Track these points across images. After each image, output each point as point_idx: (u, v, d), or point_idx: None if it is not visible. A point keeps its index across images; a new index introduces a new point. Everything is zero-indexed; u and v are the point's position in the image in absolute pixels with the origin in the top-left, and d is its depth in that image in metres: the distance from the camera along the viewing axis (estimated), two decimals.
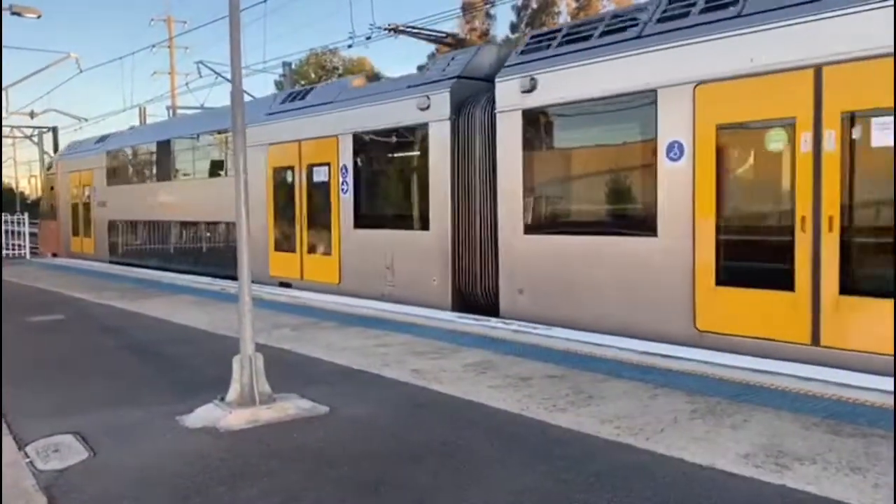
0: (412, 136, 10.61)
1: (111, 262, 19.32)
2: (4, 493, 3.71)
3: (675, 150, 7.35)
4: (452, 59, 10.72)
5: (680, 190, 7.29)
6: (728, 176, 7.05)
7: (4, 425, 4.84)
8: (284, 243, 12.98)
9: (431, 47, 35.25)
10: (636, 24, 7.92)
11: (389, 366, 6.39)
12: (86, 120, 33.84)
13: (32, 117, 32.53)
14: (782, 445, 4.15)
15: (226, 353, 5.39)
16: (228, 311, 9.63)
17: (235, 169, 5.24)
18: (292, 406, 5.07)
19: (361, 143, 11.41)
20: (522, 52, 9.16)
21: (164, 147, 17.55)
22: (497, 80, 9.21)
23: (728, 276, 6.97)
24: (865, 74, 6.05)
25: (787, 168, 6.56)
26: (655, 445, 4.22)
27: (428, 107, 10.14)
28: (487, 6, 34.06)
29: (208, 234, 15.84)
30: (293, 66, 26.14)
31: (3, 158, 49.48)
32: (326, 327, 8.43)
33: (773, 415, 4.72)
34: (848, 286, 6.18)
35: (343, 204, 11.72)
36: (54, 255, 23.25)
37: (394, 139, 10.94)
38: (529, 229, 8.84)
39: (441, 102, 9.98)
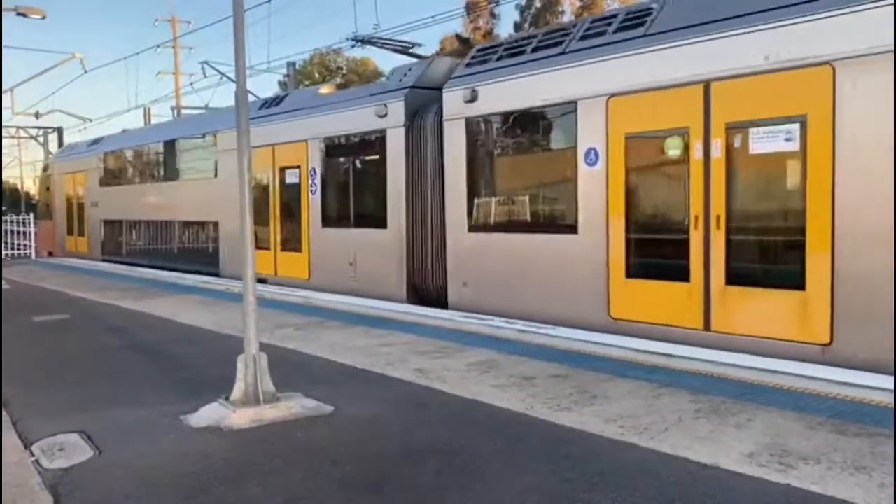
0: (372, 142, 11.36)
1: (103, 259, 20.13)
2: (11, 492, 3.73)
3: (591, 155, 8.19)
4: (409, 69, 11.49)
5: (596, 192, 8.13)
6: (635, 180, 7.86)
7: (8, 424, 4.86)
8: (260, 241, 13.44)
9: (435, 45, 35.28)
10: (563, 42, 8.75)
11: (393, 365, 6.39)
12: (90, 120, 33.99)
13: (37, 117, 32.61)
14: (787, 445, 4.14)
15: (230, 353, 5.40)
16: (233, 310, 9.64)
17: (239, 169, 5.25)
18: (296, 405, 5.07)
19: (328, 148, 12.30)
20: (468, 65, 10.00)
21: (148, 150, 18.61)
22: (444, 90, 10.03)
23: (636, 269, 7.81)
24: (746, 89, 6.87)
25: (683, 172, 7.35)
26: (660, 445, 4.21)
27: (385, 114, 10.95)
28: (491, 6, 34.06)
29: (186, 233, 16.84)
30: (297, 67, 26.16)
31: (10, 159, 49.67)
32: (330, 327, 8.44)
33: (778, 414, 4.71)
34: (732, 277, 6.98)
35: (312, 204, 12.57)
36: (50, 253, 23.65)
37: (356, 144, 11.76)
38: (472, 228, 9.70)
39: (397, 110, 10.81)
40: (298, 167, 12.78)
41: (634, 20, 8.05)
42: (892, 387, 5.16)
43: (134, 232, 19.17)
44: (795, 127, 6.54)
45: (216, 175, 15.26)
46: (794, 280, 6.57)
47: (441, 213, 10.20)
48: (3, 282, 13.75)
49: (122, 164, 20.20)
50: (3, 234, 21.42)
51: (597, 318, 8.06)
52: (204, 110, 23.28)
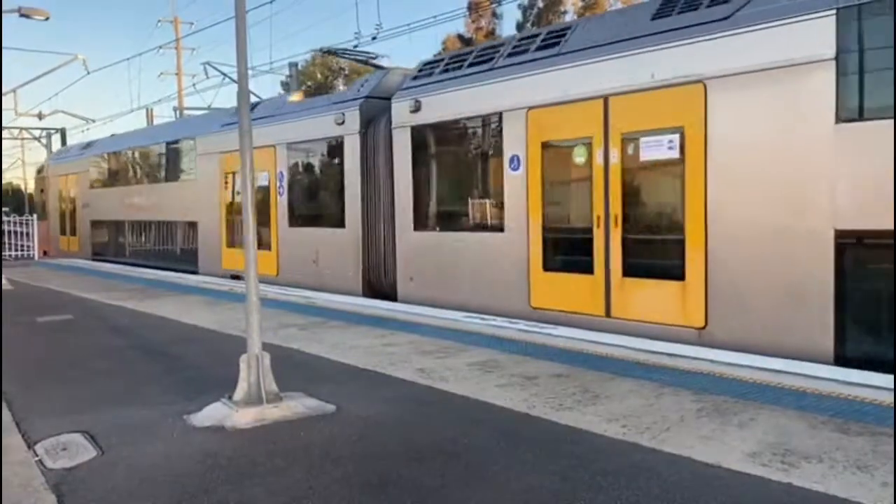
0: (332, 147, 12.30)
1: (93, 258, 21.10)
2: (15, 492, 3.74)
3: (514, 162, 9.10)
4: (366, 80, 12.48)
5: (518, 195, 9.03)
6: (550, 184, 8.74)
7: (11, 424, 4.87)
8: (234, 240, 14.77)
9: (438, 45, 35.25)
10: (493, 58, 9.65)
11: (396, 365, 6.40)
12: (93, 121, 33.90)
13: (41, 119, 32.63)
14: (789, 444, 4.14)
15: (233, 353, 5.41)
16: (236, 310, 9.67)
17: (242, 170, 5.25)
18: (299, 405, 5.08)
19: (294, 153, 13.18)
20: (414, 78, 10.89)
21: (133, 154, 19.77)
22: (393, 100, 10.92)
23: (551, 264, 8.73)
24: (637, 104, 7.74)
25: (588, 177, 8.24)
26: (662, 444, 4.21)
27: (343, 122, 11.82)
28: (493, 5, 34.03)
29: (169, 233, 17.66)
30: (299, 67, 26.17)
31: (13, 160, 49.78)
32: (333, 326, 8.45)
33: (780, 413, 4.71)
34: (628, 270, 7.89)
35: (280, 206, 13.38)
36: (45, 252, 24.13)
37: (318, 149, 12.70)
38: (417, 227, 10.58)
39: (353, 118, 11.66)
40: (267, 171, 13.58)
41: (552, 40, 8.95)
42: (892, 386, 5.16)
43: (120, 232, 20.09)
44: (676, 137, 7.42)
45: (195, 178, 16.19)
46: (677, 272, 7.43)
47: (392, 214, 10.99)
48: (7, 282, 13.80)
49: (109, 167, 21.14)
50: (5, 234, 21.69)
51: (520, 307, 8.98)
52: (206, 111, 23.33)
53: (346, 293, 11.40)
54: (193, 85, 27.85)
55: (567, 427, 4.59)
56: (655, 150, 7.59)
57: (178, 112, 27.70)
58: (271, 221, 13.55)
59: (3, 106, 29.06)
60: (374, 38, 17.64)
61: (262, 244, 13.52)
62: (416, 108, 10.38)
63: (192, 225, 16.34)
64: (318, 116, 12.46)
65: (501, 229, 9.25)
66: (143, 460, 4.17)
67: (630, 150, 7.83)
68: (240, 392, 5.06)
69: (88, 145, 23.01)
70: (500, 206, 9.29)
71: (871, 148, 6.10)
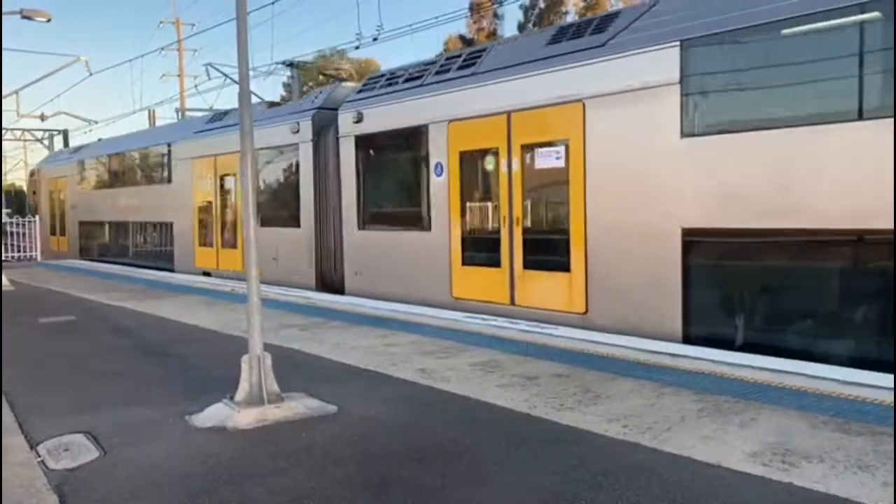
0: (290, 154, 13.37)
1: (81, 258, 22.11)
2: (17, 493, 3.75)
3: (438, 168, 10.21)
4: (320, 92, 13.58)
5: (442, 197, 10.13)
6: (466, 188, 9.86)
7: (14, 425, 4.88)
8: (205, 239, 15.95)
9: (440, 46, 35.27)
10: (423, 75, 10.74)
11: (397, 365, 6.41)
12: (96, 122, 34.02)
13: (43, 120, 32.66)
14: (790, 444, 4.15)
15: (234, 353, 5.42)
16: (237, 311, 9.68)
17: (242, 171, 5.26)
18: (300, 405, 5.09)
19: (259, 158, 13.77)
20: (359, 91, 12.03)
21: (115, 159, 20.80)
22: (339, 112, 12.02)
23: (468, 259, 9.84)
24: (533, 119, 8.85)
25: (496, 183, 9.37)
26: (663, 444, 4.22)
27: (298, 131, 12.90)
28: (495, 6, 34.04)
29: (148, 233, 18.82)
30: (299, 68, 26.10)
31: (16, 161, 49.80)
32: (334, 327, 8.46)
33: (781, 413, 4.71)
34: (527, 264, 9.02)
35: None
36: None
37: (278, 155, 13.71)
38: (360, 227, 11.69)
39: (306, 128, 12.76)
40: (234, 175, 14.58)
41: (470, 60, 10.09)
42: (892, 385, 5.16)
43: (104, 232, 21.22)
44: (562, 148, 8.55)
45: (170, 181, 17.31)
46: (564, 265, 8.54)
47: (340, 215, 12.09)
48: (9, 283, 13.82)
49: (94, 170, 22.26)
50: (6, 235, 21.84)
51: (444, 298, 10.08)
52: (208, 112, 23.37)
53: (302, 288, 12.36)
54: (196, 86, 27.82)
55: (568, 427, 4.59)
56: (547, 160, 8.74)
57: (180, 113, 27.71)
58: (237, 222, 14.64)
59: (6, 107, 29.08)
60: (375, 39, 17.69)
61: (231, 243, 14.84)
62: (359, 119, 11.47)
63: (168, 226, 17.45)
64: (277, 125, 13.45)
65: (429, 228, 10.34)
66: (145, 461, 4.18)
67: (528, 160, 8.98)
68: (241, 392, 5.07)
69: (77, 149, 24.10)
70: (428, 207, 10.39)
71: (708, 159, 7.15)
